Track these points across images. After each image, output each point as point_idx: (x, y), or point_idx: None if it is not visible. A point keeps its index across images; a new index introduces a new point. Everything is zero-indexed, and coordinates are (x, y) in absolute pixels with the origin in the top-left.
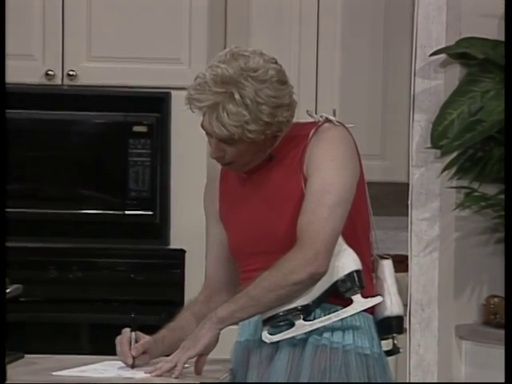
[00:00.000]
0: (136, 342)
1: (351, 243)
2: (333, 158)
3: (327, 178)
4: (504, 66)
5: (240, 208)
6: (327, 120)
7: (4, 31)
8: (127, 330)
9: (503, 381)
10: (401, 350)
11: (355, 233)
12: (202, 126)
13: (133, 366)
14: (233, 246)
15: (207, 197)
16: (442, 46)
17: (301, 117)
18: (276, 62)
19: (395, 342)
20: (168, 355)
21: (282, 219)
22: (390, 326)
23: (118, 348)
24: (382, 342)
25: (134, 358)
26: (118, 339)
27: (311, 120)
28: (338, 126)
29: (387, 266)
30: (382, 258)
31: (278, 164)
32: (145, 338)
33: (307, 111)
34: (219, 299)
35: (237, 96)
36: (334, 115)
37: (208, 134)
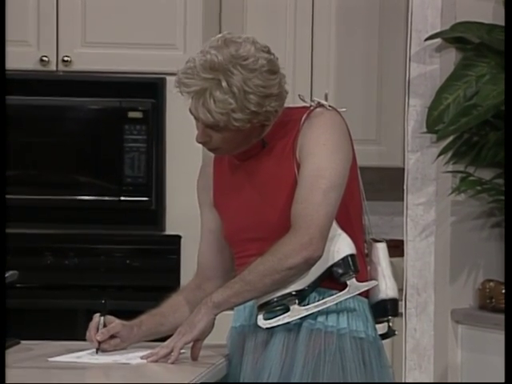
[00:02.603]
0: (105, 326)
1: (345, 228)
2: (326, 143)
3: (320, 162)
4: (499, 50)
5: (234, 195)
6: (319, 104)
7: (4, 30)
8: (97, 315)
9: (499, 364)
10: (396, 333)
11: (348, 217)
12: (190, 111)
13: (98, 351)
14: (228, 232)
15: (200, 184)
16: (437, 30)
17: (297, 103)
18: (268, 51)
19: (390, 324)
20: (164, 340)
21: (275, 206)
22: (385, 309)
23: (87, 334)
24: (377, 325)
25: (99, 342)
26: (89, 325)
27: (303, 104)
28: (330, 111)
29: (381, 250)
30: (376, 241)
31: (271, 150)
32: (114, 323)
33: (299, 95)
34: (211, 287)
35: (224, 83)
36: (326, 99)
37: (195, 118)
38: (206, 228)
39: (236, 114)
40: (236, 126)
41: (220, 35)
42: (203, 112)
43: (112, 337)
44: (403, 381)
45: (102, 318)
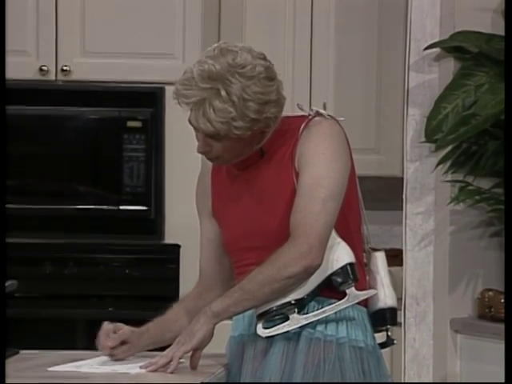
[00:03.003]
0: (114, 333)
1: (343, 237)
2: (324, 152)
3: (319, 171)
4: (498, 59)
5: (233, 204)
6: (318, 113)
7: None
8: (106, 322)
9: (498, 374)
10: (395, 342)
11: (347, 226)
12: (189, 121)
13: (111, 356)
14: (227, 241)
15: (199, 193)
16: (436, 39)
17: (296, 111)
18: (264, 58)
19: (389, 333)
20: (163, 349)
21: (274, 215)
22: (384, 318)
23: (97, 342)
24: (376, 334)
25: (111, 348)
26: (99, 333)
27: (302, 113)
28: (329, 120)
29: (380, 258)
30: (375, 250)
31: (270, 159)
32: (123, 329)
33: (298, 105)
34: (211, 296)
35: (223, 92)
36: (325, 108)
37: (195, 128)
38: (204, 237)
39: (236, 123)
40: (237, 135)
41: (216, 45)
42: (203, 122)
43: (121, 343)
44: None
45: (112, 325)
